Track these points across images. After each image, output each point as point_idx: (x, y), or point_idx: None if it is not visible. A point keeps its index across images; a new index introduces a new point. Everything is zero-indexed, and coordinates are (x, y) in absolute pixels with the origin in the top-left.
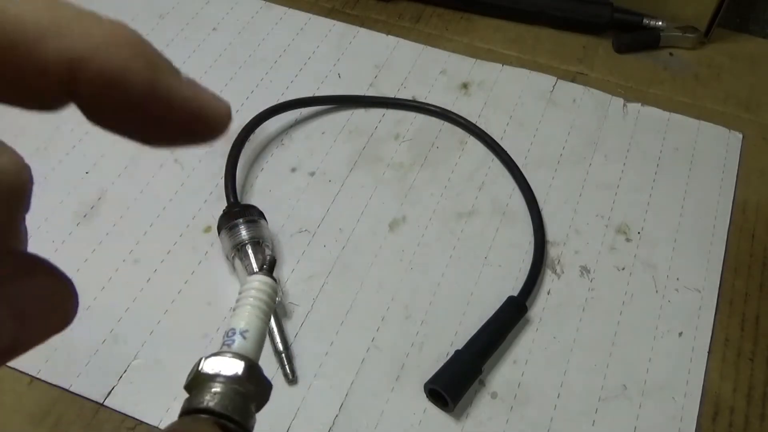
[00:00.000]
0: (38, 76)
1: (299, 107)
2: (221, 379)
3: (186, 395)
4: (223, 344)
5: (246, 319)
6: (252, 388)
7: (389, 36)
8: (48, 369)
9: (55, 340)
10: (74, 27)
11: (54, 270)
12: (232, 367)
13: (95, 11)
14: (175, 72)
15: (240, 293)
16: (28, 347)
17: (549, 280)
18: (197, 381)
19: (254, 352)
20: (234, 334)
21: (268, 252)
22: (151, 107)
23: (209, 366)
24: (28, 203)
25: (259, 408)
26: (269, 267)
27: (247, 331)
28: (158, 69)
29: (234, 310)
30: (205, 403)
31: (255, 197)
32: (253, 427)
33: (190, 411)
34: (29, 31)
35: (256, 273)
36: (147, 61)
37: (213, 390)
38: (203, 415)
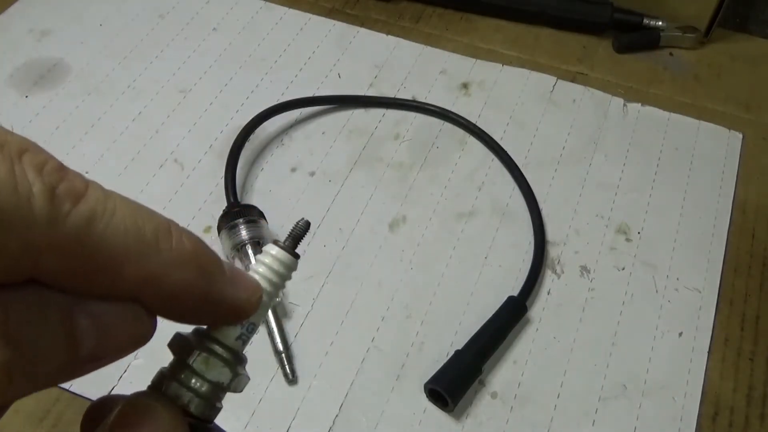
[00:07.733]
0: (113, 290)
1: (299, 107)
2: (200, 381)
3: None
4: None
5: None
6: (229, 386)
7: (389, 36)
8: None
9: None
10: (151, 251)
11: None
12: (221, 373)
13: (170, 222)
14: (222, 272)
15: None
16: (107, 360)
17: (549, 280)
18: (179, 367)
19: (241, 346)
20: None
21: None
22: (201, 309)
23: (197, 361)
24: None
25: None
26: (294, 237)
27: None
28: (212, 279)
29: None
30: (185, 401)
31: (255, 197)
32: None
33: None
34: (116, 256)
35: (276, 244)
36: (204, 273)
37: (191, 385)
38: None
